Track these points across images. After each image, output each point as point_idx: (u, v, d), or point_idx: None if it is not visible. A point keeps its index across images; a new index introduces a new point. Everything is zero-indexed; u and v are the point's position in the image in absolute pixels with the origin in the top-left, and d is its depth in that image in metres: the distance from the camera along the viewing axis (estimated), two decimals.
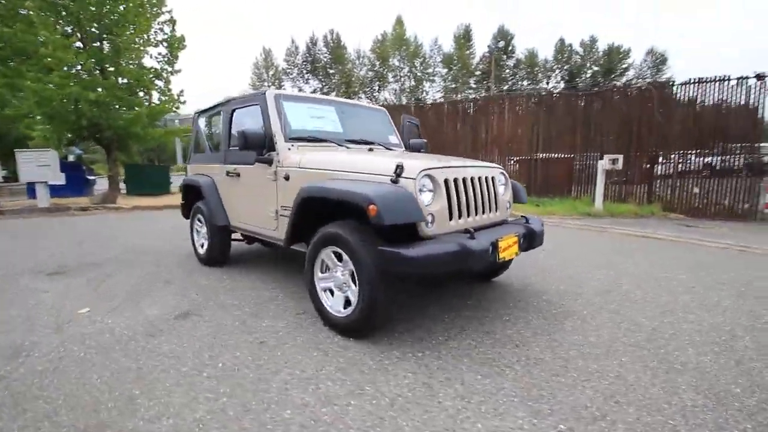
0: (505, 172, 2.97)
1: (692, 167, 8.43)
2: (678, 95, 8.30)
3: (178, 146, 31.23)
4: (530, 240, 2.71)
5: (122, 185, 12.38)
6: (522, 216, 2.93)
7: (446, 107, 11.64)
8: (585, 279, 3.55)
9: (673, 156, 8.49)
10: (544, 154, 9.66)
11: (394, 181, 2.23)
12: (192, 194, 4.25)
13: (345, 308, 2.37)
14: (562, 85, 44.38)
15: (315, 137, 3.15)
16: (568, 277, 3.60)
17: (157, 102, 11.30)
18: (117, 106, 10.05)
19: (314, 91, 38.82)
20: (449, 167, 2.43)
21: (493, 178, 2.78)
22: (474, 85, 43.53)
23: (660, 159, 8.71)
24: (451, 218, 2.37)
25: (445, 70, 43.40)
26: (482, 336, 2.38)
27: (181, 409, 1.69)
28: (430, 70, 41.02)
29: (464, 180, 2.48)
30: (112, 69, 9.97)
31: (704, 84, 7.83)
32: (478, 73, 43.87)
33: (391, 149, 3.58)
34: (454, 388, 1.84)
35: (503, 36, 44.65)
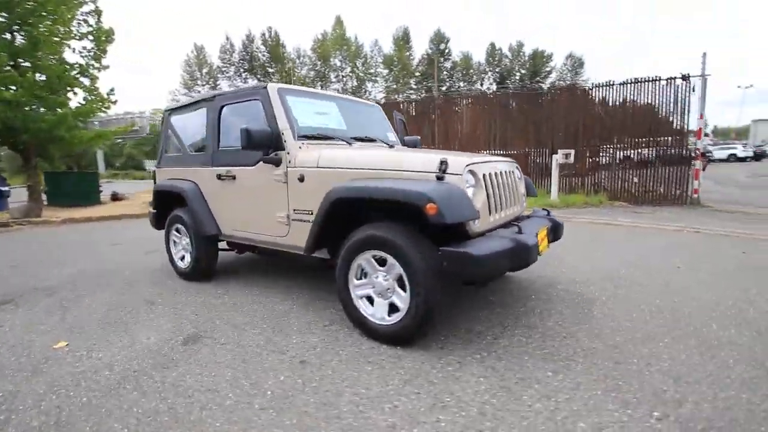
0: (518, 165, 2.99)
1: (617, 160, 9.33)
2: (607, 95, 9.13)
3: (99, 152, 28.13)
4: (555, 232, 2.76)
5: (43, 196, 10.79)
6: (543, 208, 2.97)
7: (413, 105, 11.71)
8: (583, 266, 3.72)
9: (611, 149, 9.34)
10: (502, 151, 10.10)
11: (440, 178, 2.12)
12: (168, 202, 3.78)
13: (390, 315, 2.21)
14: (494, 86, 47.07)
15: (324, 134, 2.93)
16: (568, 266, 3.74)
17: (83, 102, 9.99)
18: (36, 107, 8.71)
19: None
20: (486, 162, 2.38)
21: (513, 171, 2.78)
22: (414, 86, 44.57)
23: (601, 153, 9.53)
24: (490, 213, 2.32)
25: (386, 71, 43.94)
26: (527, 331, 2.36)
27: None
28: (372, 71, 41.23)
29: (497, 174, 2.44)
30: (28, 64, 8.62)
31: (640, 84, 8.69)
32: (417, 74, 45.01)
33: (392, 146, 3.45)
34: (533, 388, 1.78)
35: (440, 39, 46.28)
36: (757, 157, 28.63)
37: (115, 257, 4.70)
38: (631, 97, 8.89)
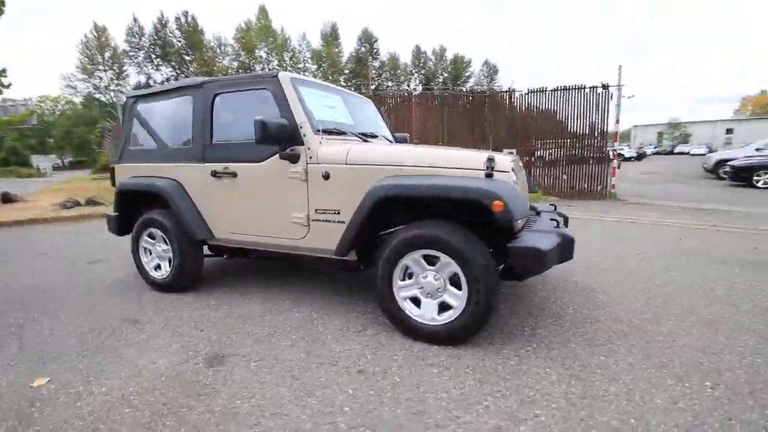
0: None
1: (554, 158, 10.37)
2: (540, 100, 10.07)
3: None
4: (564, 225, 2.95)
5: None
6: (551, 204, 3.16)
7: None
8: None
9: (542, 150, 10.31)
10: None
11: (489, 175, 2.13)
12: (137, 203, 3.26)
13: (440, 314, 2.17)
14: (420, 88, 48.87)
15: (339, 129, 2.76)
16: None
17: None
18: None
19: (167, 80, 33.59)
20: (514, 159, 2.45)
21: (521, 167, 2.91)
22: (344, 83, 44.32)
23: (536, 153, 10.45)
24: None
25: (315, 66, 42.97)
26: (556, 320, 2.49)
27: None
28: (300, 65, 39.99)
29: (517, 170, 2.53)
30: None
31: (568, 90, 9.68)
32: (347, 71, 44.81)
33: (392, 142, 3.39)
34: (597, 373, 1.89)
35: (368, 38, 46.62)
36: (639, 157, 33.74)
37: (48, 270, 3.93)
38: (562, 102, 9.87)
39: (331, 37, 43.28)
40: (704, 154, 24.15)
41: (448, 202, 2.10)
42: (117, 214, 3.33)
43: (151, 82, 32.55)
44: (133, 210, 3.37)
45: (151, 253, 3.23)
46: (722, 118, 56.94)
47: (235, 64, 35.07)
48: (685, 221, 5.93)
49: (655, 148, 48.24)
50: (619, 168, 10.10)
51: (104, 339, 2.38)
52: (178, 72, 33.72)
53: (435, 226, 2.11)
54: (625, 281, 3.22)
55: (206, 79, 2.88)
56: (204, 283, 3.32)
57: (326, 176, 2.45)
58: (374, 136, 3.14)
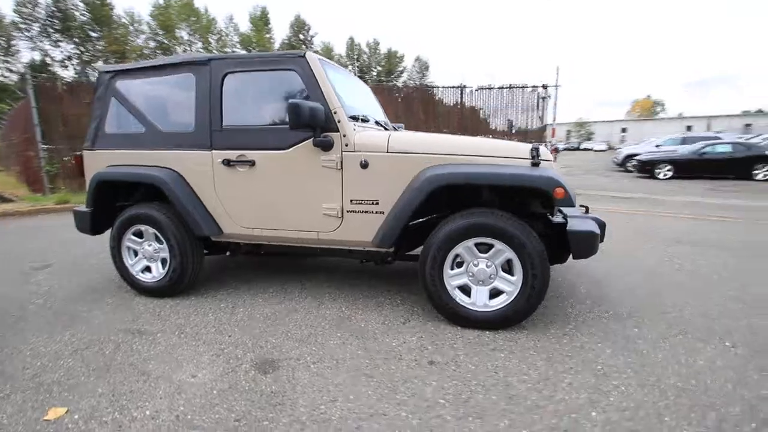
0: None
1: None
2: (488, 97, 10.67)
3: None
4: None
5: None
6: None
7: None
8: None
9: None
10: None
11: (535, 164, 2.21)
12: (120, 196, 2.81)
13: (491, 300, 2.21)
14: None
15: (365, 116, 2.65)
16: None
17: None
18: None
19: (69, 58, 29.13)
20: None
21: None
22: None
23: None
24: None
25: (244, 52, 40.40)
26: (577, 302, 2.67)
27: None
28: (228, 50, 37.25)
29: None
30: None
31: (513, 89, 10.36)
32: None
33: (396, 129, 3.35)
34: (644, 344, 2.07)
35: (300, 26, 45.02)
36: (554, 152, 37.40)
37: None
38: (508, 99, 10.53)
39: (262, 21, 40.95)
40: (604, 150, 27.53)
41: (502, 190, 2.14)
42: (91, 209, 2.83)
43: (47, 59, 27.90)
44: (110, 205, 2.90)
45: (136, 254, 2.81)
46: (618, 119, 65.33)
47: (152, 43, 31.48)
48: (620, 208, 6.72)
49: (565, 144, 53.82)
50: (555, 161, 11.08)
51: (111, 355, 2.03)
52: (82, 50, 29.29)
53: (490, 215, 2.13)
54: (605, 262, 3.56)
55: (214, 55, 2.55)
56: (196, 284, 2.99)
57: (364, 165, 2.34)
58: (382, 122, 3.06)
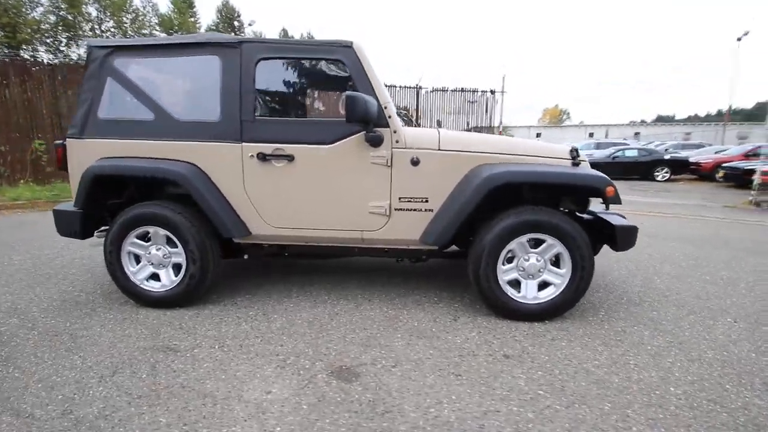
0: None
1: None
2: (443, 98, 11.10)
3: None
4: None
5: None
6: None
7: None
8: None
9: None
10: None
11: (576, 164, 2.37)
12: (106, 196, 2.42)
13: (540, 292, 2.32)
14: None
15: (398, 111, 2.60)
16: None
17: None
18: None
19: None
20: None
21: None
22: None
23: None
24: None
25: (164, 35, 36.74)
26: (605, 294, 2.91)
27: None
28: (146, 31, 33.56)
29: None
30: None
31: (465, 92, 10.87)
32: None
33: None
34: (668, 324, 2.33)
35: (229, 12, 42.31)
36: None
37: None
38: (459, 101, 11.03)
39: (185, 4, 37.61)
40: None
41: (549, 188, 2.25)
42: (81, 209, 2.38)
43: None
44: (101, 203, 2.48)
45: (139, 260, 2.44)
46: (533, 125, 71.87)
47: (53, 18, 27.08)
48: None
49: None
50: None
51: (151, 379, 1.75)
52: None
53: (542, 212, 2.23)
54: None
55: (245, 38, 2.30)
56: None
57: (415, 162, 2.31)
58: None
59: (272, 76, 2.34)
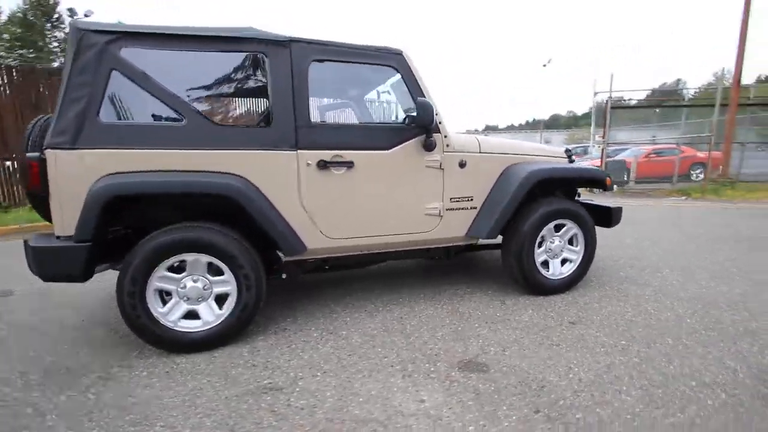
0: None
1: None
2: None
3: None
4: None
5: None
6: None
7: None
8: None
9: None
10: None
11: (571, 161, 2.91)
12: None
13: (562, 268, 2.77)
14: None
15: None
16: None
17: None
18: None
19: None
20: None
21: None
22: (4, 53, 30.53)
23: None
24: None
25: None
26: (612, 264, 3.51)
27: None
28: None
29: None
30: None
31: None
32: (6, 36, 31.03)
33: None
34: (675, 296, 3.04)
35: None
36: None
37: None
38: None
39: None
40: None
41: (571, 181, 2.73)
42: (88, 242, 1.78)
43: None
44: (106, 230, 1.93)
45: (169, 297, 1.99)
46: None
47: None
48: None
49: None
50: None
51: (284, 422, 1.52)
52: None
53: (564, 202, 2.68)
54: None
55: (294, 37, 2.09)
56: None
57: (462, 164, 2.49)
58: None
59: (323, 79, 2.21)
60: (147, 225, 2.04)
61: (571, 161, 2.96)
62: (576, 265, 2.78)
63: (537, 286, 2.69)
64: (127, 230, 2.23)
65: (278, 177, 2.11)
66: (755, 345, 2.03)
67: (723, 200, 8.58)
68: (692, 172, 13.27)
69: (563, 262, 2.79)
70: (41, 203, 2.12)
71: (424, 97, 2.33)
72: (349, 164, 2.22)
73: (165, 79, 1.94)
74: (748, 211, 7.02)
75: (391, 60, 2.30)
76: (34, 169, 1.81)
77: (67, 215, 1.83)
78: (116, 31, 1.88)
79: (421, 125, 2.19)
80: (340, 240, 2.30)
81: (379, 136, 2.28)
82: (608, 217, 2.91)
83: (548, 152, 2.90)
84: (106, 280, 2.78)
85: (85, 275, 1.86)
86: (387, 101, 2.89)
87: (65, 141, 1.80)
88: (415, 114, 2.25)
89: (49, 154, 1.80)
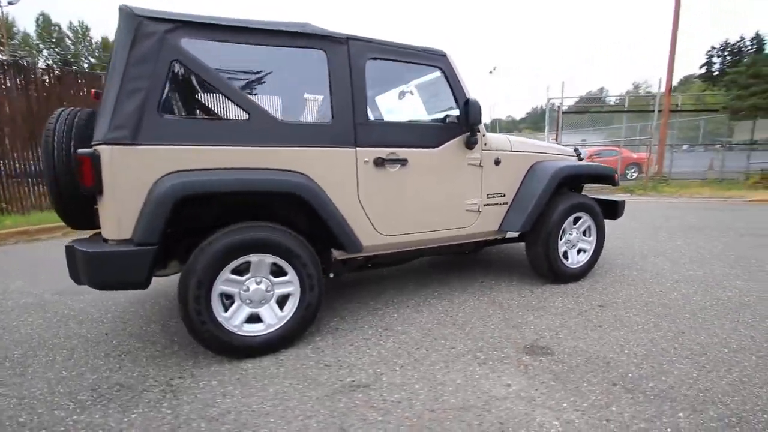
0: None
1: None
2: None
3: None
4: None
5: None
6: None
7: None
8: None
9: None
10: None
11: (581, 159, 3.17)
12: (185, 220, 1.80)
13: (578, 257, 3.00)
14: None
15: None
16: None
17: None
18: None
19: None
20: None
21: None
22: None
23: None
24: None
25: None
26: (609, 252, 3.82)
27: None
28: None
29: None
30: None
31: None
32: None
33: None
34: (701, 270, 3.39)
35: None
36: None
37: None
38: None
39: None
40: None
41: (597, 177, 2.98)
42: (154, 245, 1.64)
43: None
44: (171, 232, 1.80)
45: (230, 301, 1.90)
46: None
47: None
48: None
49: None
50: None
51: (390, 417, 1.54)
52: None
53: (582, 196, 2.91)
54: None
55: (350, 34, 2.08)
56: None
57: (497, 162, 2.63)
58: None
59: (377, 77, 2.22)
60: (194, 226, 1.94)
61: (581, 159, 3.22)
62: (590, 255, 3.04)
63: (559, 275, 2.90)
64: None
65: (338, 174, 2.09)
66: (756, 316, 2.37)
67: (665, 195, 9.66)
68: (627, 171, 14.80)
69: (579, 251, 3.03)
70: (72, 206, 1.94)
71: (467, 97, 2.44)
72: (403, 162, 2.26)
73: (225, 72, 1.86)
74: (693, 204, 7.97)
75: (438, 61, 2.38)
76: (87, 166, 1.65)
77: (124, 217, 1.69)
78: (176, 19, 1.76)
79: (471, 124, 2.29)
80: (392, 237, 2.33)
81: (429, 135, 2.35)
82: (615, 209, 3.21)
83: (562, 151, 3.14)
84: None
85: (147, 281, 1.72)
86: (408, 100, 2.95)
87: (124, 136, 1.67)
88: (459, 113, 2.34)
89: (105, 149, 1.65)
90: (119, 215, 1.69)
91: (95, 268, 1.66)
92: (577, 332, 2.18)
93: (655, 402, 1.57)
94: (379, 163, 2.19)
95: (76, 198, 1.95)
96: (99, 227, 2.05)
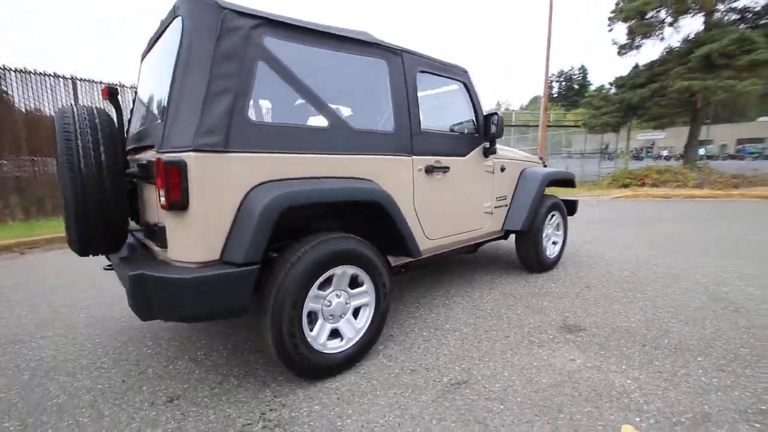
0: None
1: None
2: None
3: None
4: None
5: None
6: None
7: None
8: None
9: None
10: None
11: (545, 166, 3.73)
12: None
13: (554, 248, 3.53)
14: None
15: None
16: None
17: None
18: None
19: None
20: None
21: None
22: None
23: None
24: None
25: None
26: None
27: None
28: None
29: None
30: None
31: None
32: None
33: None
34: (682, 266, 4.11)
35: None
36: None
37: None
38: None
39: None
40: None
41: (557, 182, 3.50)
42: (257, 265, 1.43)
43: None
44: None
45: (315, 317, 1.79)
46: None
47: None
48: None
49: None
50: None
51: (489, 402, 1.69)
52: None
53: (554, 198, 3.43)
54: None
55: (402, 47, 2.11)
56: None
57: (503, 169, 2.96)
58: None
59: (425, 88, 2.31)
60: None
61: (545, 165, 3.79)
62: (560, 246, 3.60)
63: (543, 265, 3.37)
64: None
65: (399, 182, 2.14)
66: (689, 281, 3.15)
67: (576, 196, 11.51)
68: None
69: (553, 243, 3.56)
70: (98, 225, 1.60)
71: (482, 112, 2.70)
72: (445, 169, 2.40)
73: (305, 74, 1.75)
74: (605, 203, 9.39)
75: (462, 75, 2.59)
76: (175, 177, 1.39)
77: (212, 235, 1.48)
78: (261, 16, 1.61)
79: (494, 135, 2.55)
80: (435, 240, 2.44)
81: (461, 144, 2.53)
82: (573, 207, 3.84)
83: (534, 159, 3.65)
84: (83, 307, 2.13)
85: (244, 308, 1.52)
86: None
87: (217, 143, 1.46)
88: (479, 124, 2.61)
89: (195, 157, 1.42)
90: (206, 233, 1.47)
91: (194, 297, 1.40)
92: (588, 309, 2.61)
93: (678, 353, 2.03)
94: (429, 170, 2.29)
95: (106, 216, 1.60)
96: (116, 252, 1.74)
